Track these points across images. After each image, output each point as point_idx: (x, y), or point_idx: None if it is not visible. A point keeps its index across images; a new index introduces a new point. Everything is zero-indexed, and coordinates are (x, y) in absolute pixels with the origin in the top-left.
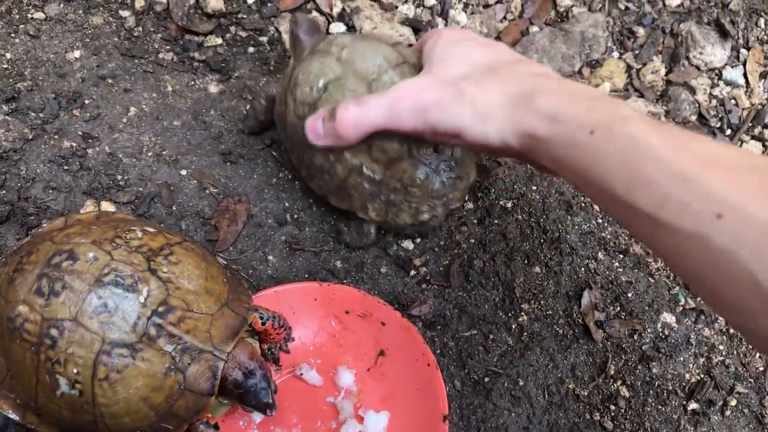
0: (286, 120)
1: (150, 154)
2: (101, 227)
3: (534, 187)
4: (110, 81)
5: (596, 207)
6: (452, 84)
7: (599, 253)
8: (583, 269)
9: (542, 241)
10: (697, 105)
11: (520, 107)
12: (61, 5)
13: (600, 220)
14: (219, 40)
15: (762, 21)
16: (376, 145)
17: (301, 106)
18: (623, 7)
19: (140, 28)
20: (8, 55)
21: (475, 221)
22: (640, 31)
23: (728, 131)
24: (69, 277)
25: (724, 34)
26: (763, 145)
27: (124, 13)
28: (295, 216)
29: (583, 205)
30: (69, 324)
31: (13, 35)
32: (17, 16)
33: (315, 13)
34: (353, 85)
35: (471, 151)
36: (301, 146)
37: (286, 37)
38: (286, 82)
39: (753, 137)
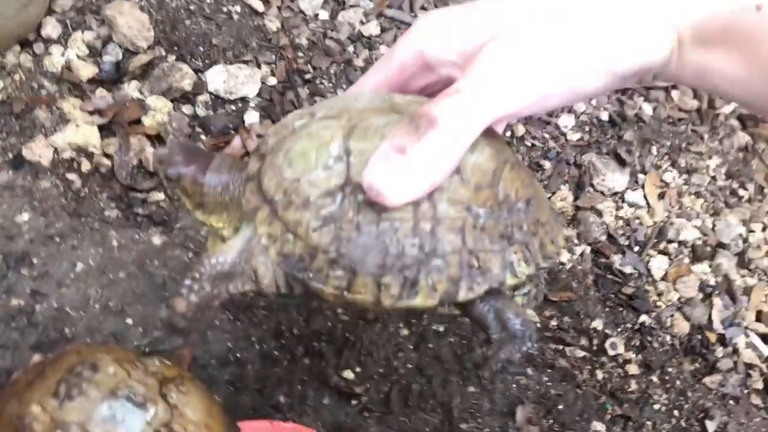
0: (307, 248)
1: (97, 306)
2: (125, 351)
3: None
4: (58, 240)
5: None
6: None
7: (528, 369)
8: (514, 386)
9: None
10: (606, 226)
11: None
12: (10, 173)
13: None
14: (161, 195)
15: (654, 148)
16: (468, 168)
17: (325, 200)
18: (530, 144)
19: (86, 189)
20: None
21: (411, 346)
22: (547, 164)
23: (636, 248)
24: (86, 385)
25: (621, 162)
26: (670, 259)
27: (71, 176)
28: (238, 355)
29: None
30: (75, 428)
31: None
32: None
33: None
34: (381, 120)
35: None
36: (370, 254)
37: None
38: (265, 213)
39: (659, 251)
